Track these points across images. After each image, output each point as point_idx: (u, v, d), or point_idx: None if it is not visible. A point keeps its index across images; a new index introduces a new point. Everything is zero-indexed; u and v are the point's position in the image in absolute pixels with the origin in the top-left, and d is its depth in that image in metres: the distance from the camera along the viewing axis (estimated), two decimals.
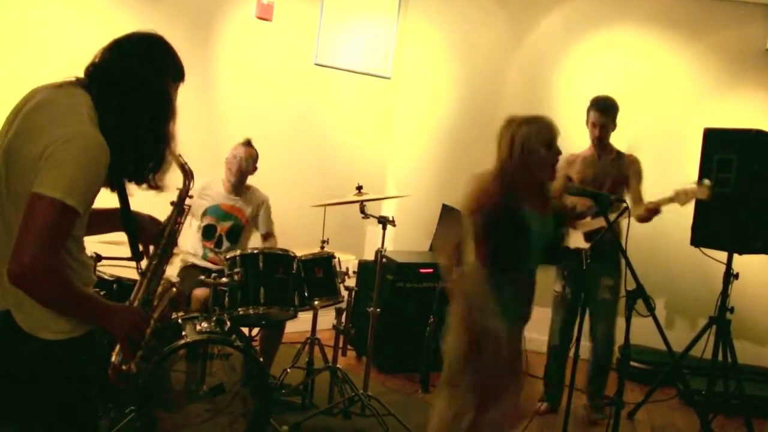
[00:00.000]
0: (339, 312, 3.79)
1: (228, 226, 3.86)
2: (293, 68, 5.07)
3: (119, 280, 3.05)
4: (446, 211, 5.11)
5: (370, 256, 4.60)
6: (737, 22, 5.13)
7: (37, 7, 3.92)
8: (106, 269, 3.08)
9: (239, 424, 3.05)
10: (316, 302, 3.51)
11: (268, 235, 3.99)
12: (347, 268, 3.68)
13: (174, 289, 1.85)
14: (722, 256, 3.83)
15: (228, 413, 3.04)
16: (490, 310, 2.53)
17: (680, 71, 5.25)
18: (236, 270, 3.28)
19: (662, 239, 4.16)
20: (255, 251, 3.42)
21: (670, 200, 3.57)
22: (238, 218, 3.90)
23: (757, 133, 3.77)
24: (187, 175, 1.90)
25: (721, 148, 3.81)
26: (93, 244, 2.48)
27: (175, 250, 2.03)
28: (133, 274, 1.85)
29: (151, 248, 1.87)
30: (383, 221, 3.65)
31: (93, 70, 1.68)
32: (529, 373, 3.57)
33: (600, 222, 3.55)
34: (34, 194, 1.51)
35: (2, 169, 1.61)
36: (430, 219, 5.18)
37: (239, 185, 3.89)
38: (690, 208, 3.84)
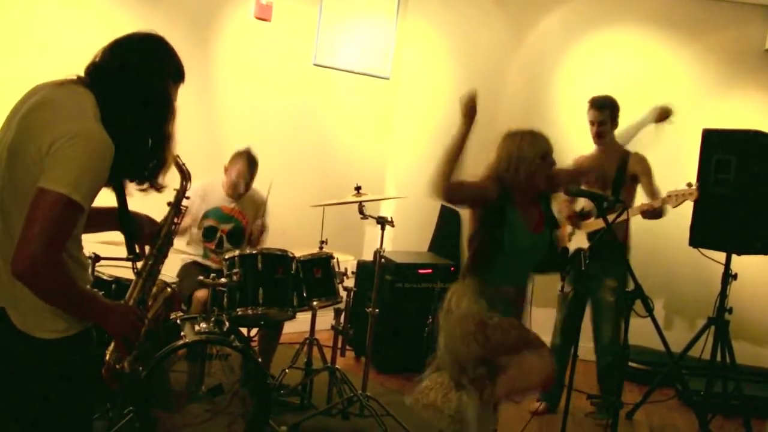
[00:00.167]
0: (338, 312, 3.79)
1: (229, 228, 3.87)
2: (292, 68, 5.07)
3: (118, 280, 3.05)
4: (445, 211, 5.11)
5: (368, 256, 4.60)
6: (736, 22, 5.13)
7: (37, 7, 3.92)
8: (104, 269, 3.08)
9: (238, 424, 3.06)
10: (314, 303, 3.51)
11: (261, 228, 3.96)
12: (346, 269, 3.69)
13: (169, 290, 1.86)
14: (721, 256, 3.83)
15: (227, 413, 3.05)
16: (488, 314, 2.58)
17: (679, 71, 5.25)
18: (235, 270, 3.28)
19: (661, 240, 4.16)
20: (254, 252, 3.42)
21: (663, 202, 3.67)
22: (238, 220, 3.90)
23: (756, 134, 3.78)
24: (185, 175, 1.90)
25: (720, 148, 3.81)
26: (92, 244, 2.50)
27: (176, 251, 2.04)
28: (132, 275, 1.85)
29: (147, 248, 1.88)
30: (382, 222, 3.65)
31: (93, 69, 1.68)
32: None
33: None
34: (40, 189, 1.51)
35: (4, 168, 1.61)
36: (429, 220, 5.18)
37: (242, 193, 3.91)
38: (689, 208, 3.85)
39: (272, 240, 3.99)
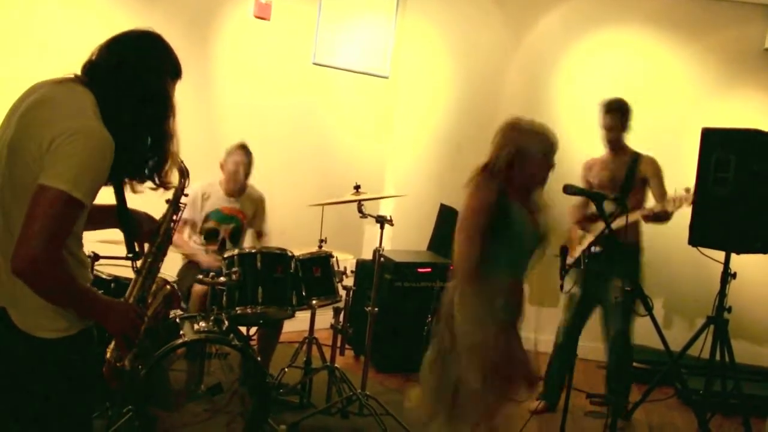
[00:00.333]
0: (337, 311, 3.79)
1: (231, 229, 3.87)
2: (291, 67, 5.07)
3: (117, 279, 3.05)
4: (444, 210, 5.11)
5: (368, 255, 4.60)
6: (736, 22, 5.13)
7: (37, 7, 3.92)
8: (103, 268, 3.08)
9: (237, 423, 3.05)
10: (314, 301, 3.51)
11: (261, 234, 4.01)
12: (345, 268, 3.68)
13: (168, 287, 1.86)
14: (720, 255, 3.83)
15: (226, 412, 3.05)
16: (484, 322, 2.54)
17: (679, 71, 5.25)
18: (234, 269, 3.28)
19: (660, 239, 4.15)
20: (253, 250, 3.42)
21: (661, 207, 3.71)
22: (238, 219, 3.91)
23: (756, 133, 3.77)
24: (183, 173, 1.90)
25: (720, 147, 3.81)
26: (91, 243, 2.49)
27: (177, 251, 2.04)
28: (132, 274, 1.85)
29: (146, 246, 1.88)
30: (381, 220, 3.65)
31: (90, 68, 1.68)
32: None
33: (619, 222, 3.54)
34: (41, 186, 1.51)
35: (4, 166, 1.61)
36: (428, 218, 5.18)
37: (239, 189, 3.91)
38: (688, 207, 3.84)
39: (272, 239, 4.00)
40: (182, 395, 3.06)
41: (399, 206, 5.21)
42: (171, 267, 3.53)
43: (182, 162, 1.89)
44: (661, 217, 3.75)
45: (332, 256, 3.63)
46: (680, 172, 3.97)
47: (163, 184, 1.77)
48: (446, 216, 5.12)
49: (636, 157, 3.92)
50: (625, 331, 3.88)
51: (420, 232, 5.20)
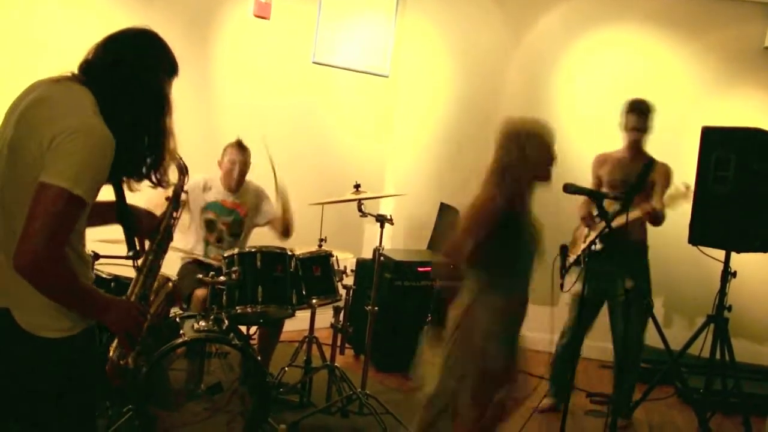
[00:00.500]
0: (337, 310, 3.79)
1: (229, 221, 3.87)
2: (291, 66, 5.07)
3: (117, 278, 3.04)
4: (444, 209, 5.11)
5: (368, 254, 4.60)
6: (736, 20, 5.13)
7: (37, 7, 3.92)
8: (104, 267, 3.07)
9: (237, 422, 3.05)
10: (314, 301, 3.51)
11: (276, 221, 3.91)
12: (345, 267, 3.68)
13: (170, 284, 1.86)
14: (720, 254, 3.83)
15: (226, 412, 3.05)
16: (494, 335, 2.53)
17: (679, 70, 5.25)
18: (234, 268, 3.28)
19: (660, 237, 4.15)
20: (253, 250, 3.42)
21: (655, 208, 3.70)
22: (238, 212, 3.91)
23: (756, 132, 3.77)
24: (182, 170, 1.90)
25: (720, 146, 3.80)
26: (91, 242, 2.48)
27: (175, 249, 2.04)
28: (131, 273, 1.85)
29: (147, 243, 1.88)
30: (381, 219, 3.65)
31: (87, 66, 1.68)
32: (529, 372, 3.57)
33: (619, 220, 3.53)
34: (41, 184, 1.51)
35: (5, 165, 1.61)
36: (428, 217, 5.18)
37: (237, 185, 3.91)
38: (688, 206, 3.84)
39: (271, 238, 3.99)
40: (182, 394, 3.06)
41: (399, 205, 5.21)
42: (171, 267, 3.53)
43: (181, 159, 1.89)
44: (653, 218, 3.74)
45: (332, 255, 3.63)
46: (680, 171, 3.96)
47: (161, 183, 1.76)
48: (446, 215, 5.12)
49: (650, 162, 3.91)
50: (638, 332, 3.88)
51: (420, 231, 5.20)
